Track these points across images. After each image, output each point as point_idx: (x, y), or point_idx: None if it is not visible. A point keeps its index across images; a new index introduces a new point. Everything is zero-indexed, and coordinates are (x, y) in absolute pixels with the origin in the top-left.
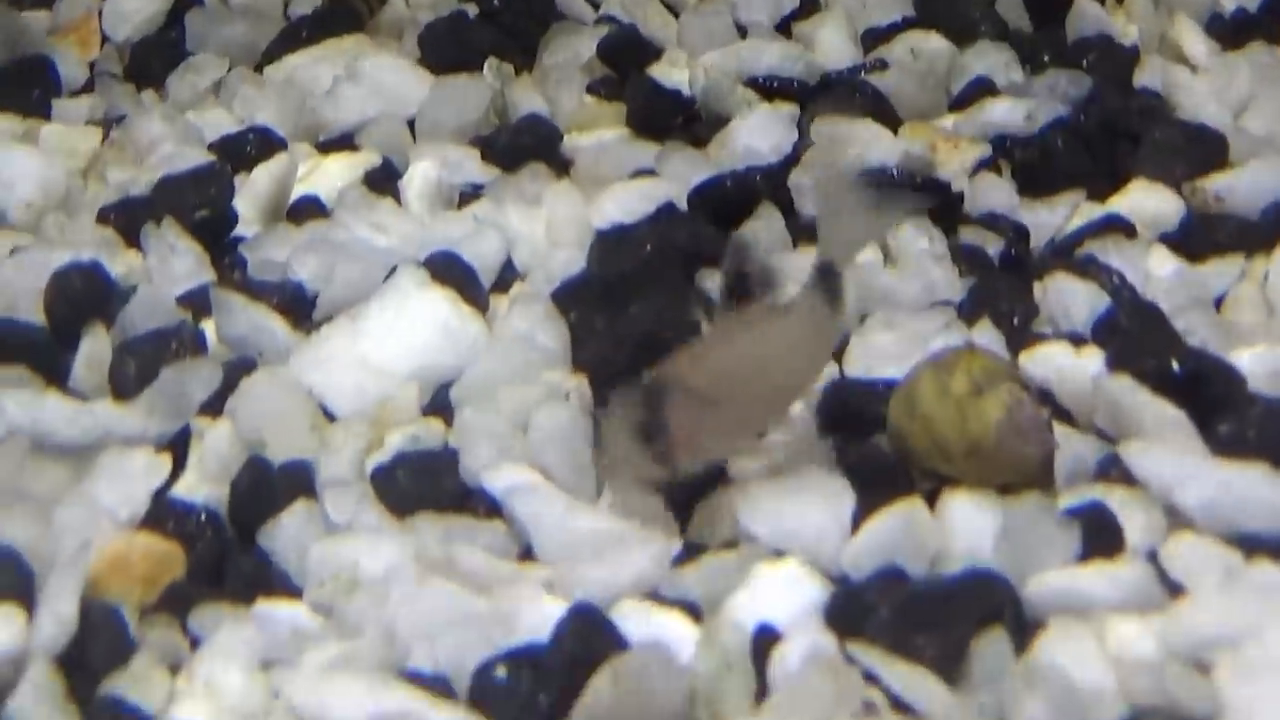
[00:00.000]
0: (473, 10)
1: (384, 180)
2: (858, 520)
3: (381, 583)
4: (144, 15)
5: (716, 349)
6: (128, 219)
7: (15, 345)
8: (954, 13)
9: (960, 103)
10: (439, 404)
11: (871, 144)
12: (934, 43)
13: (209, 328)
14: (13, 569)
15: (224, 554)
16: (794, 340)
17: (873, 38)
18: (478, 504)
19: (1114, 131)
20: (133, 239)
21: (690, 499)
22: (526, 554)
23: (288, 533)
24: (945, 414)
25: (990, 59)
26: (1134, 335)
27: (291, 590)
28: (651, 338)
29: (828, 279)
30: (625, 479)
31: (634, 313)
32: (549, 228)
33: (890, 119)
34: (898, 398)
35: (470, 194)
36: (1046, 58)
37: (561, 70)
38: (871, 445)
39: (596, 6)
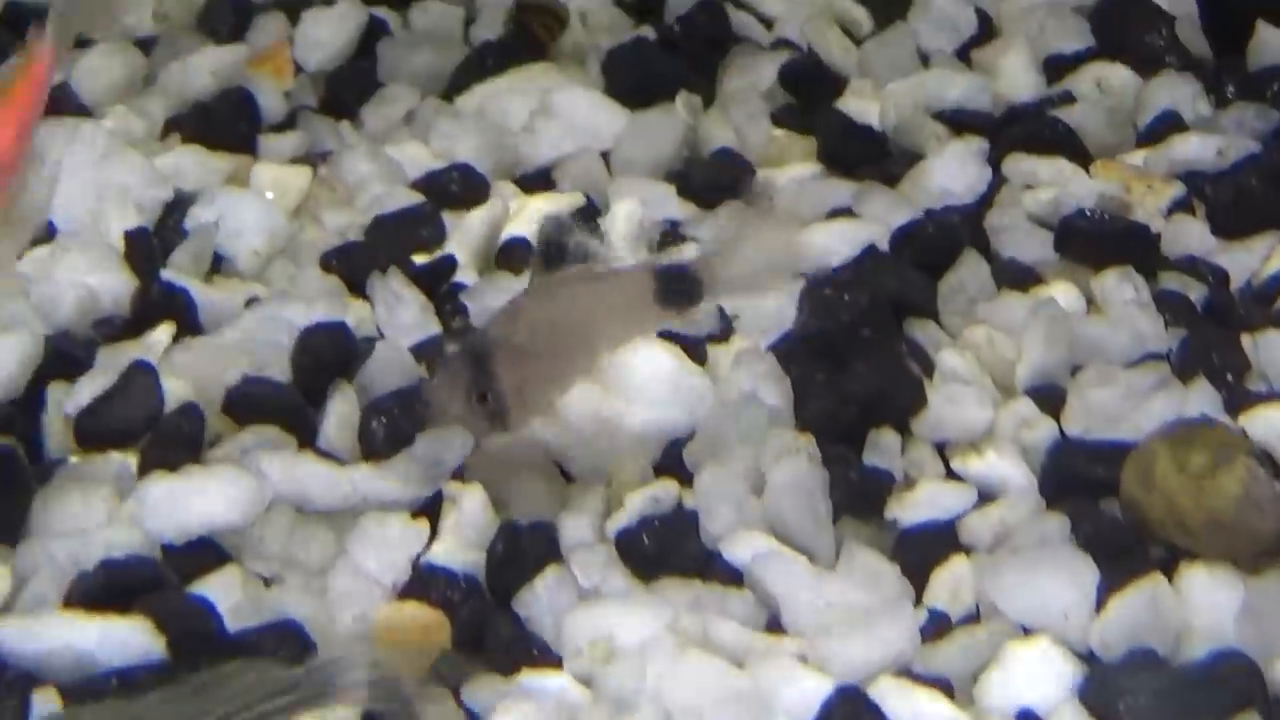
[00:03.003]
0: (650, 34)
1: (586, 220)
2: (1102, 596)
3: (638, 653)
4: (337, 43)
5: (535, 306)
6: (349, 266)
7: (268, 405)
8: (1136, 39)
9: (1148, 138)
10: (670, 462)
11: (1065, 184)
12: (1119, 74)
13: None
14: (297, 642)
15: (484, 621)
16: (609, 305)
17: (1055, 66)
18: (721, 570)
19: None
20: (356, 287)
21: (926, 564)
22: (773, 622)
23: (541, 600)
24: (1184, 488)
25: (1177, 91)
26: None
27: (550, 658)
28: (876, 395)
29: (676, 279)
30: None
31: (859, 370)
32: None
33: (1080, 155)
34: (1131, 469)
35: (670, 232)
36: (1230, 89)
37: (744, 98)
38: (1105, 515)
39: (769, 26)
